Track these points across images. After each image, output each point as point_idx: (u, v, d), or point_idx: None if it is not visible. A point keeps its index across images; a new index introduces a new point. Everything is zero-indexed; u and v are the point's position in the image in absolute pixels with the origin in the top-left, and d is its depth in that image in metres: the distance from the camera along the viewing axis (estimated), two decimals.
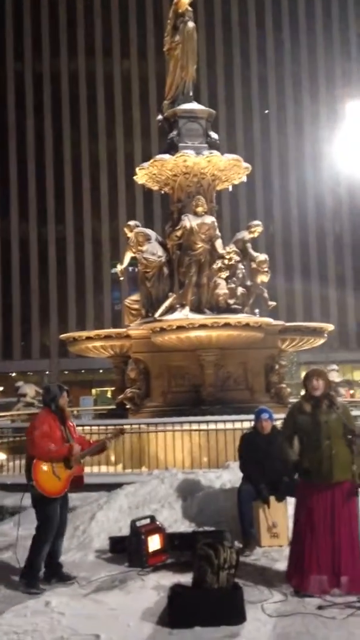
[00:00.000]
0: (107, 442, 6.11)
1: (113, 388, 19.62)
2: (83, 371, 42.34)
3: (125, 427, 7.21)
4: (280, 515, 6.68)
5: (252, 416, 7.95)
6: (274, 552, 6.49)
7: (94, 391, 39.53)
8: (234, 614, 4.74)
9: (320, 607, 4.93)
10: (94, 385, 40.93)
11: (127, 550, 6.30)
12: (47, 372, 43.44)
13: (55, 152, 46.77)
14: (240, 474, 7.10)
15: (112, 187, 46.38)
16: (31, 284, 45.46)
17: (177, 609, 4.75)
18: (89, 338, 12.42)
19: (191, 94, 13.92)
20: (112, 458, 10.30)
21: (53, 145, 46.86)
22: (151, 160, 13.17)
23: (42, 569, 5.75)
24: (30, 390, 17.70)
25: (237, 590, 4.89)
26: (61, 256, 45.78)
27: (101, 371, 39.44)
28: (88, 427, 9.62)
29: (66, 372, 43.47)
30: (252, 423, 7.46)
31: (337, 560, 5.19)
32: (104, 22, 48.14)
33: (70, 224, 46.18)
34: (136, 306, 12.77)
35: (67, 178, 46.50)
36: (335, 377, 17.31)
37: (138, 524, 6.32)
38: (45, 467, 5.66)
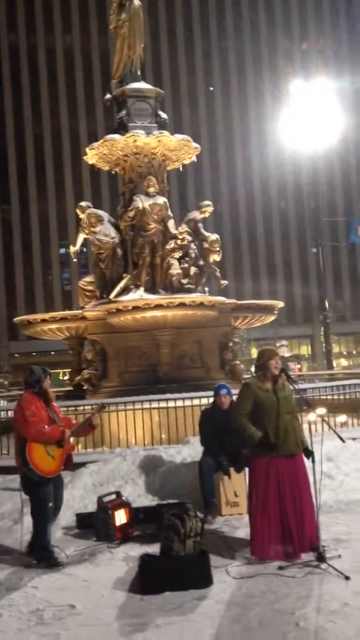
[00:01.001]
0: (93, 420, 6.17)
1: (66, 370, 19.64)
2: (34, 354, 41.96)
3: (106, 405, 7.27)
4: (240, 486, 7.00)
5: (208, 393, 8.26)
6: (234, 520, 6.83)
7: None
8: (201, 578, 5.02)
9: (280, 568, 5.27)
10: (46, 367, 40.63)
11: (94, 525, 6.51)
12: None
13: None
14: (200, 448, 7.39)
15: (58, 166, 45.73)
16: None
17: (148, 577, 5.00)
18: (44, 320, 12.42)
19: (139, 72, 13.92)
20: (72, 438, 10.42)
21: None
22: (101, 141, 13.14)
23: (51, 545, 5.84)
24: None
25: (204, 556, 5.17)
26: (7, 237, 44.99)
27: (52, 353, 39.20)
28: None
29: (16, 355, 43.01)
30: (209, 400, 7.76)
31: (297, 526, 5.54)
32: None
33: (16, 205, 45.34)
34: (91, 287, 12.82)
35: (10, 157, 45.54)
36: (284, 352, 17.89)
37: (105, 499, 6.53)
38: (38, 447, 5.73)
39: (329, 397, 11.13)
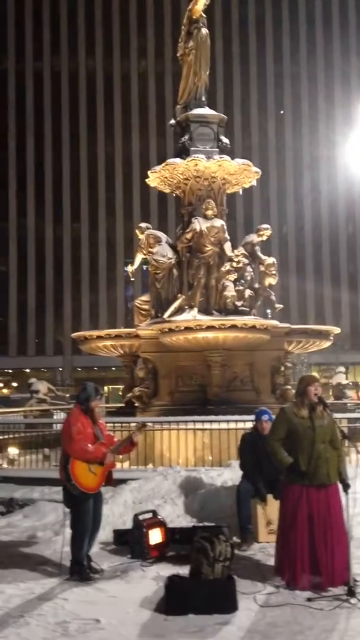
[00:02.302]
0: (133, 438, 6.29)
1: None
2: (96, 368, 42.81)
3: (147, 423, 7.40)
4: (277, 513, 6.92)
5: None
6: (270, 547, 6.71)
7: (106, 388, 39.97)
8: (226, 603, 5.02)
9: (309, 599, 5.20)
10: (106, 382, 41.39)
11: (129, 542, 6.61)
12: (60, 369, 43.93)
13: (72, 151, 47.29)
14: (241, 472, 7.38)
15: (127, 187, 46.79)
16: (46, 281, 46.02)
17: (173, 597, 5.04)
18: (99, 337, 12.74)
19: (204, 99, 14.16)
20: (120, 455, 10.60)
21: (70, 144, 47.37)
22: (163, 164, 13.45)
23: (85, 561, 5.97)
24: (42, 387, 18.12)
25: (230, 581, 5.17)
26: (76, 254, 46.31)
27: (113, 369, 39.84)
28: None
29: (79, 369, 43.94)
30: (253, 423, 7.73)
31: (327, 558, 5.46)
32: (122, 21, 48.52)
33: (86, 223, 46.66)
34: (146, 306, 13.06)
35: (82, 177, 46.99)
36: (342, 379, 17.54)
37: (140, 517, 6.62)
38: (81, 463, 5.89)
39: None
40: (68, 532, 6.46)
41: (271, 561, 6.33)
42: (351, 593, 5.17)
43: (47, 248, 46.45)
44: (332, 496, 5.56)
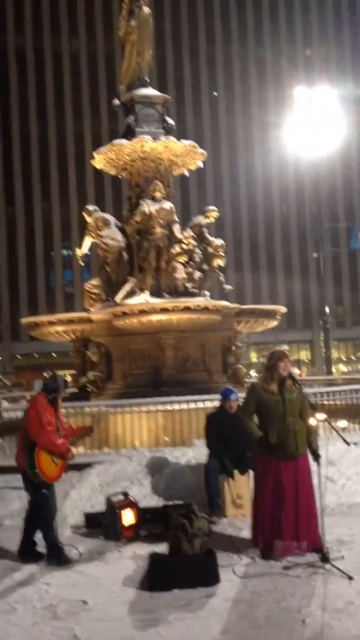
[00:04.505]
0: (92, 427, 6.50)
1: (67, 372, 19.83)
2: (36, 355, 42.05)
3: (97, 409, 7.50)
4: (244, 487, 7.14)
5: (211, 396, 8.41)
6: (238, 521, 6.96)
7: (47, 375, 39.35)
8: (209, 576, 5.17)
9: (285, 568, 5.41)
10: (47, 369, 40.76)
11: (102, 524, 6.65)
12: None
13: (4, 132, 45.77)
14: (204, 451, 7.54)
15: (62, 168, 45.83)
16: None
17: (157, 574, 5.15)
18: (51, 322, 12.56)
19: (147, 79, 14.09)
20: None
21: (1, 125, 45.83)
22: (109, 145, 13.31)
23: (60, 543, 5.98)
24: None
25: (211, 555, 5.32)
26: (11, 238, 45.08)
27: (54, 355, 39.32)
28: None
29: (19, 357, 43.05)
30: (212, 403, 7.91)
31: (298, 526, 5.69)
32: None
33: (20, 206, 45.44)
34: (96, 290, 12.96)
35: (15, 159, 45.66)
36: None
37: (113, 499, 6.66)
38: (46, 454, 5.93)
39: (329, 402, 11.22)
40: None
41: (242, 534, 6.55)
42: (325, 559, 5.42)
43: None
44: (301, 466, 5.77)
